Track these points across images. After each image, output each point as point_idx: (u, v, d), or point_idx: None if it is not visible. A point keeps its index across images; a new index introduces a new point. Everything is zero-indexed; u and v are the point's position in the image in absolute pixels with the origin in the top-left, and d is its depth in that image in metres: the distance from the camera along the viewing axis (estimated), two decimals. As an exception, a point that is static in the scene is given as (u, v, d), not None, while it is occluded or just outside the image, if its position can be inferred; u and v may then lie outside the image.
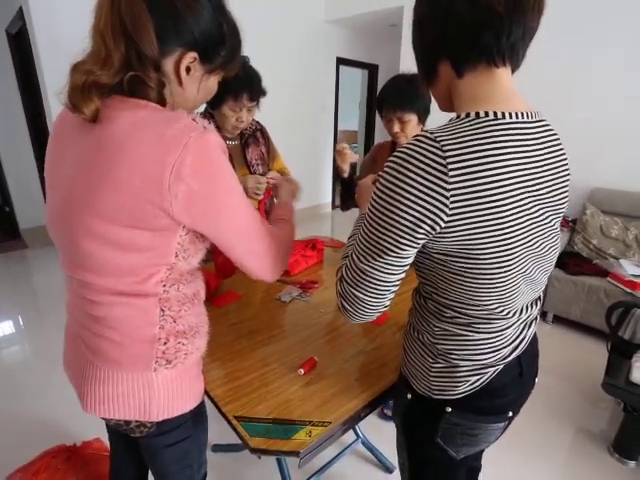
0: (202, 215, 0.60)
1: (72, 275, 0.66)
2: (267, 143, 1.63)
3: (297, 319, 1.17)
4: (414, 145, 0.52)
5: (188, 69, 0.63)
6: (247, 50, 0.81)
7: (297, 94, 4.54)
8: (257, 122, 1.61)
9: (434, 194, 0.51)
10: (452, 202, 0.51)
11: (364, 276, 0.61)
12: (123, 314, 0.64)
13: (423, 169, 0.51)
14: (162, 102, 0.61)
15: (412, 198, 0.52)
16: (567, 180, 0.64)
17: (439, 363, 0.68)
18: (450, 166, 0.50)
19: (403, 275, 0.62)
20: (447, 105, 0.64)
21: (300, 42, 4.47)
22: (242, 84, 1.28)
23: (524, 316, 0.68)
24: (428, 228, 0.53)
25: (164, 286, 0.65)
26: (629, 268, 2.37)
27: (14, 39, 3.46)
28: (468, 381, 0.67)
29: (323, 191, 5.50)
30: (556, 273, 2.57)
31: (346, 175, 1.45)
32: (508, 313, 0.63)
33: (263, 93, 1.37)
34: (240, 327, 1.11)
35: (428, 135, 0.52)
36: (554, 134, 0.62)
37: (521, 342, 0.69)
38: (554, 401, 1.96)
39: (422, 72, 0.65)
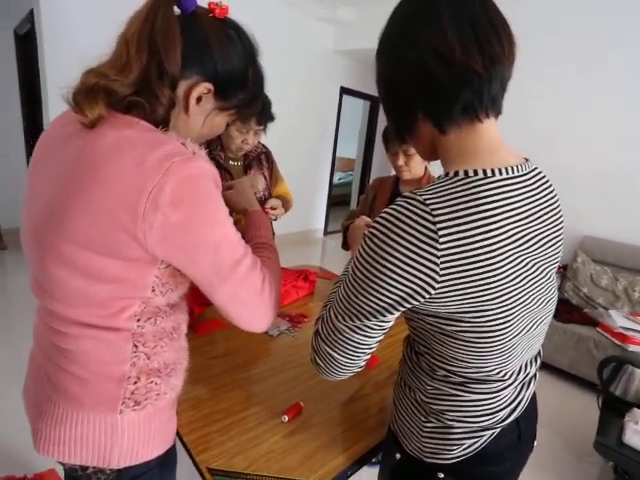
0: (178, 250, 0.53)
1: (40, 301, 0.60)
2: (270, 167, 1.61)
3: (284, 356, 1.10)
4: (403, 208, 0.49)
5: (200, 99, 0.60)
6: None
7: (300, 118, 4.58)
8: (263, 145, 1.60)
9: (424, 261, 0.48)
10: (442, 269, 0.48)
11: (340, 336, 0.57)
12: (91, 348, 0.58)
13: (413, 234, 0.48)
14: (166, 122, 0.58)
15: (400, 264, 0.49)
16: (561, 229, 0.62)
17: (431, 422, 0.63)
18: (440, 232, 0.47)
19: (382, 337, 0.59)
20: (431, 156, 0.61)
21: (307, 69, 4.55)
22: None
23: (521, 376, 0.63)
24: (416, 296, 0.50)
25: (138, 321, 0.58)
26: (619, 320, 2.36)
27: (21, 40, 3.45)
28: (463, 444, 0.62)
29: (316, 216, 5.48)
30: (546, 319, 2.55)
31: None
32: (505, 375, 0.59)
33: (271, 118, 1.39)
34: (221, 361, 1.04)
35: (417, 198, 0.49)
36: (546, 182, 0.59)
37: (519, 404, 0.64)
38: (537, 453, 1.86)
39: (398, 129, 0.62)
